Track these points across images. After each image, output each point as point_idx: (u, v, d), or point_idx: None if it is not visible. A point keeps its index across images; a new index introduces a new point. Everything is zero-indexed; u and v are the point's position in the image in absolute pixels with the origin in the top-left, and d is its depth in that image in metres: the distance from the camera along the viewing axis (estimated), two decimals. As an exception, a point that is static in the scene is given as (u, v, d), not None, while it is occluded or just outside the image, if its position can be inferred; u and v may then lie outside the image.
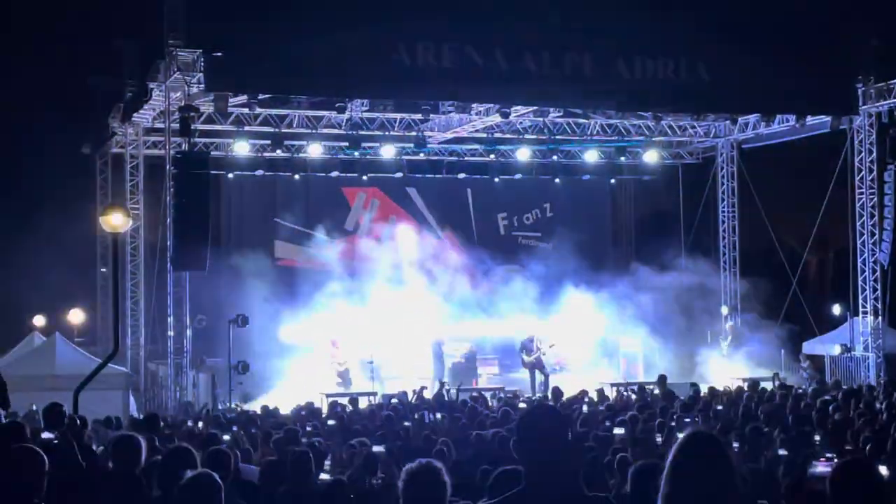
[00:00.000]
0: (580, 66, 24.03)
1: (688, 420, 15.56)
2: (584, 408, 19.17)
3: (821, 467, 9.73)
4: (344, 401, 21.93)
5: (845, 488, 4.38)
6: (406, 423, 16.80)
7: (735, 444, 12.32)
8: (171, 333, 24.44)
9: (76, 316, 34.86)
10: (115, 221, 19.28)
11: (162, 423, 16.85)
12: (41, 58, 34.39)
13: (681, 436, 4.19)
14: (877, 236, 27.24)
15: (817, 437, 13.41)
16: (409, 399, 22.28)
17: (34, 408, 19.14)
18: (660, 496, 4.01)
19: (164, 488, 6.77)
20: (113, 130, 27.95)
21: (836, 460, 10.23)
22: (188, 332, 24.92)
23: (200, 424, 17.94)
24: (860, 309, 27.94)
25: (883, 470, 9.90)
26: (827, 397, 19.30)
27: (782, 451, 11.34)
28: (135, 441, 7.72)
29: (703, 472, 3.97)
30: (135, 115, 25.80)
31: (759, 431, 13.21)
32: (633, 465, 6.06)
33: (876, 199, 27.21)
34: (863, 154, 27.58)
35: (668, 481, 4.02)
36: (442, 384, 24.86)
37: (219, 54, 21.62)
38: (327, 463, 9.97)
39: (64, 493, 6.69)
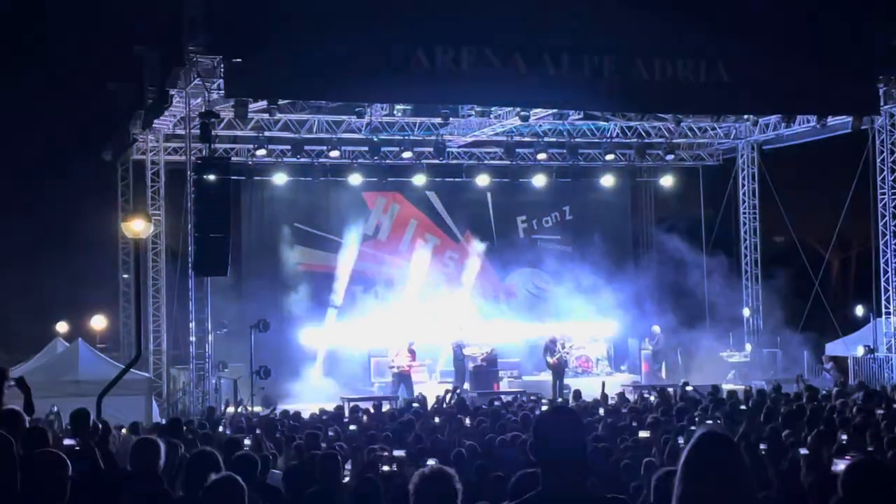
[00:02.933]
0: (599, 68, 23.97)
1: (710, 422, 15.49)
2: (601, 410, 19.11)
3: (843, 465, 9.66)
4: (366, 405, 21.93)
5: (857, 487, 4.36)
6: (435, 423, 16.80)
7: (762, 447, 12.25)
8: (192, 339, 24.51)
9: (99, 322, 35.02)
10: (137, 227, 19.41)
11: (185, 428, 16.90)
12: (62, 65, 34.57)
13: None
14: (899, 236, 27.10)
15: (844, 437, 13.33)
16: (430, 403, 22.26)
17: (55, 409, 19.25)
18: (674, 497, 3.99)
19: (187, 491, 6.80)
20: (134, 137, 28.07)
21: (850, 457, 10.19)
22: (210, 337, 24.99)
23: (221, 428, 17.96)
24: (883, 310, 27.79)
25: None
26: (850, 399, 19.22)
27: (804, 451, 11.26)
28: (154, 444, 7.76)
29: (715, 472, 3.95)
30: (155, 121, 25.90)
31: (778, 432, 13.14)
32: (657, 471, 6.04)
33: (898, 199, 27.07)
34: (884, 154, 27.45)
35: (681, 482, 3.99)
36: (455, 388, 24.88)
37: (238, 60, 21.67)
38: (348, 467, 9.97)
39: (85, 499, 6.72)
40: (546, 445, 4.68)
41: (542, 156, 31.27)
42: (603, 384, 23.23)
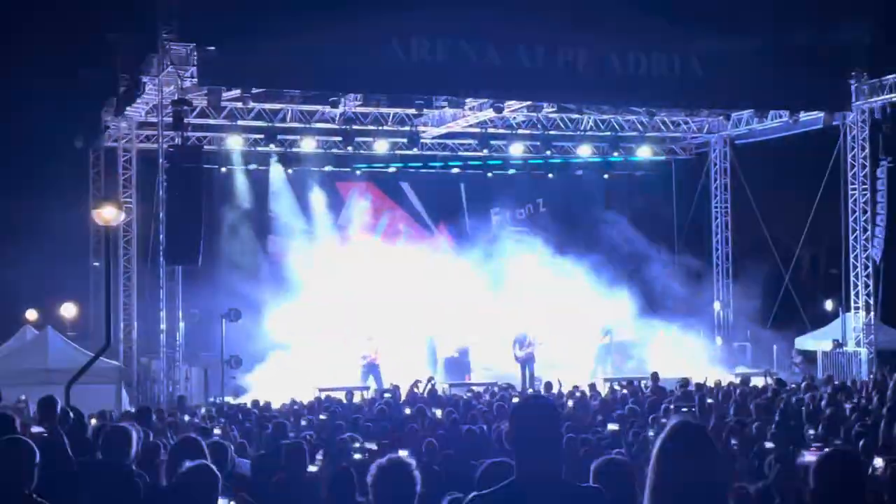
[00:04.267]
0: (574, 61, 24.05)
1: (682, 411, 15.60)
2: (570, 402, 19.19)
3: (809, 456, 9.76)
4: (338, 395, 21.95)
5: (827, 478, 4.40)
6: (406, 414, 16.82)
7: (733, 441, 12.34)
8: (163, 327, 24.42)
9: (68, 310, 34.81)
10: (108, 215, 19.31)
11: (154, 417, 16.85)
12: (34, 51, 34.28)
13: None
14: (869, 232, 27.31)
15: (811, 432, 13.46)
16: (402, 394, 22.30)
17: (23, 398, 19.13)
18: (647, 486, 4.01)
19: (170, 476, 6.80)
20: (106, 124, 27.89)
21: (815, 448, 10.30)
22: (180, 326, 24.89)
23: (190, 417, 17.92)
24: (852, 304, 28.00)
25: (878, 462, 9.94)
26: (818, 392, 19.39)
27: (770, 444, 11.36)
28: (125, 433, 7.73)
29: (688, 461, 3.96)
30: (128, 109, 25.76)
31: (744, 424, 13.25)
32: (594, 463, 6.03)
33: (868, 195, 27.27)
34: (855, 150, 27.64)
35: (654, 470, 4.00)
36: (430, 379, 24.88)
37: (212, 48, 21.60)
38: (318, 457, 9.98)
39: (53, 486, 6.69)
40: (523, 434, 4.71)
41: (515, 147, 31.30)
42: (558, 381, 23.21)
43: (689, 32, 24.66)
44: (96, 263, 29.86)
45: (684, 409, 16.46)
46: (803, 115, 27.66)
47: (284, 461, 8.90)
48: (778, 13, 25.54)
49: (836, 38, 26.26)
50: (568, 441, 11.45)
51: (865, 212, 27.45)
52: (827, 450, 4.72)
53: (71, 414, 12.27)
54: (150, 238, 26.48)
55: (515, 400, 19.37)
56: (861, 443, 11.90)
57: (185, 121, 23.67)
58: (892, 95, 26.08)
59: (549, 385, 22.33)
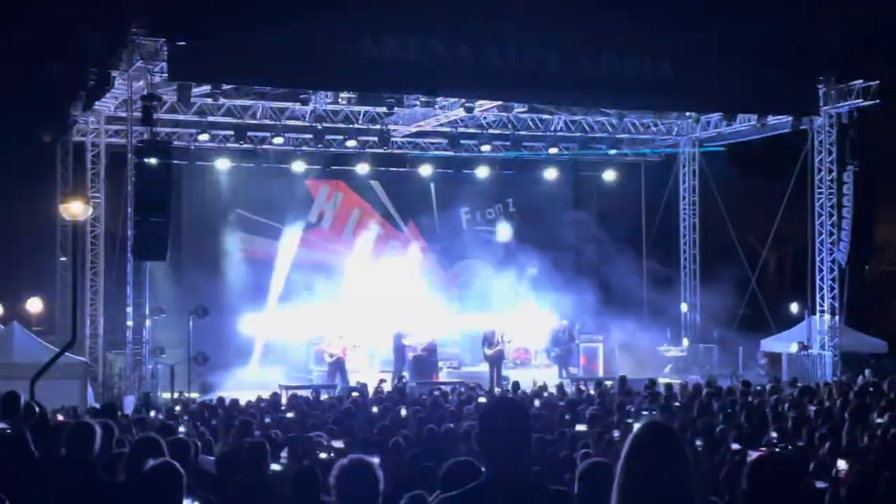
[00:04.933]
0: (546, 62, 24.09)
1: (645, 413, 15.65)
2: (537, 402, 19.22)
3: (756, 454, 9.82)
4: (304, 393, 21.89)
5: (760, 481, 4.41)
6: (373, 413, 16.78)
7: (698, 442, 12.38)
8: (129, 323, 24.27)
9: (34, 305, 34.52)
10: (75, 210, 19.20)
11: (119, 413, 16.76)
12: (1, 43, 33.98)
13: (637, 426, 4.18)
14: (835, 236, 27.51)
15: (774, 435, 13.53)
16: (370, 392, 22.25)
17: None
18: (615, 486, 4.00)
19: (130, 475, 6.75)
20: (74, 118, 27.68)
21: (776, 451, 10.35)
22: (147, 322, 24.76)
23: (156, 413, 17.82)
24: (818, 307, 28.19)
25: (841, 465, 10.02)
26: (783, 395, 19.50)
27: (736, 446, 11.42)
28: (89, 429, 7.68)
29: (658, 462, 3.95)
30: (96, 103, 25.58)
31: (713, 426, 13.30)
32: (580, 464, 6.06)
33: (835, 199, 27.47)
34: (823, 154, 27.84)
35: (623, 471, 3.99)
36: (401, 378, 24.85)
37: (182, 43, 21.48)
38: (283, 455, 9.94)
39: (16, 481, 6.64)
40: (491, 435, 4.71)
41: (486, 147, 31.32)
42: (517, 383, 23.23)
43: (660, 36, 24.79)
44: (63, 258, 29.64)
45: (652, 412, 16.51)
46: (772, 119, 27.85)
47: (248, 459, 8.86)
48: (748, 18, 25.71)
49: (804, 43, 26.47)
50: (536, 441, 11.45)
51: (832, 216, 27.65)
52: (758, 455, 4.71)
53: (36, 409, 12.17)
54: (118, 233, 26.32)
55: (483, 400, 19.39)
56: (826, 445, 11.98)
57: (154, 116, 23.52)
58: (860, 100, 26.28)
59: (516, 385, 22.35)
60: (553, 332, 29.19)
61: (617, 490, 3.99)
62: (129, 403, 22.28)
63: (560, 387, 22.86)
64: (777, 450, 11.17)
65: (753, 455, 9.64)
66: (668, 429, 4.10)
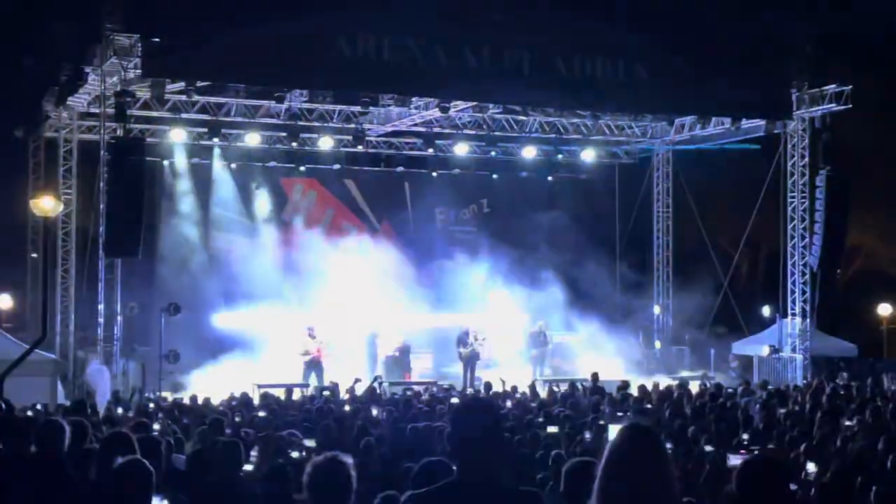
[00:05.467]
0: (520, 62, 24.15)
1: (620, 414, 15.69)
2: (509, 403, 19.26)
3: (736, 460, 9.87)
4: (277, 392, 21.83)
5: (750, 482, 4.42)
6: (345, 412, 16.74)
7: (669, 445, 12.42)
8: (101, 321, 24.12)
9: (5, 301, 34.30)
10: (46, 206, 19.04)
11: (90, 411, 16.64)
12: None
13: (614, 429, 4.17)
14: (807, 240, 27.66)
15: (745, 436, 13.59)
16: (342, 392, 22.22)
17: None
18: (595, 488, 3.98)
19: (100, 472, 6.70)
20: (47, 114, 27.51)
21: (743, 452, 10.41)
22: (118, 319, 24.62)
23: (128, 412, 17.72)
24: (789, 311, 28.35)
25: (811, 467, 10.08)
26: (754, 397, 19.60)
27: (708, 448, 11.46)
28: (59, 427, 7.62)
29: (639, 464, 3.94)
30: (69, 98, 25.41)
31: (685, 428, 13.35)
32: (566, 464, 6.06)
33: (807, 203, 27.63)
34: (795, 158, 27.99)
35: (605, 473, 3.97)
36: (376, 379, 24.82)
37: (156, 40, 21.40)
38: (253, 454, 9.89)
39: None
40: (462, 435, 4.71)
41: (460, 147, 31.33)
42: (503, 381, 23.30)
43: (634, 38, 24.88)
44: (34, 255, 29.48)
45: (626, 413, 16.56)
46: (745, 123, 27.99)
47: (220, 459, 8.82)
48: (722, 22, 25.84)
49: (778, 48, 26.65)
50: (508, 442, 11.47)
51: (804, 219, 27.80)
52: (750, 456, 4.74)
53: (3, 405, 12.09)
54: (90, 230, 26.16)
55: (455, 400, 19.40)
56: (794, 448, 12.05)
57: (128, 112, 23.40)
58: (833, 105, 26.44)
59: (488, 385, 22.37)
60: (530, 334, 29.31)
61: (598, 493, 3.97)
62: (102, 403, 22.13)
63: (532, 387, 22.90)
64: (764, 452, 11.22)
65: (734, 459, 9.70)
66: (650, 431, 4.10)
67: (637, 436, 4.03)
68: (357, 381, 23.30)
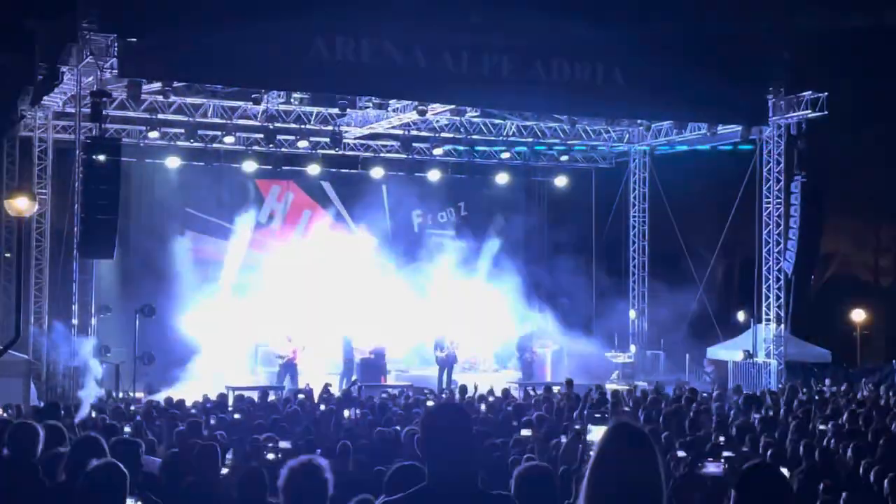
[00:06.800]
0: (498, 66, 24.21)
1: (598, 416, 15.72)
2: (483, 406, 19.29)
3: (711, 467, 9.93)
4: (251, 394, 21.80)
5: (750, 493, 4.35)
6: (319, 415, 16.74)
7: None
8: (74, 322, 24.03)
9: (-23, 301, 34.00)
10: (21, 206, 18.93)
11: (63, 413, 16.58)
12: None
13: (597, 431, 4.13)
14: (782, 246, 27.83)
15: (721, 439, 13.67)
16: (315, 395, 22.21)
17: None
18: (583, 488, 3.91)
19: (71, 476, 6.68)
20: (22, 113, 27.39)
21: (722, 459, 10.45)
22: (93, 320, 24.52)
23: (95, 414, 17.65)
24: (764, 316, 28.50)
25: (785, 473, 10.15)
26: (728, 402, 19.70)
27: (681, 453, 11.52)
28: (32, 429, 7.60)
29: (629, 461, 3.88)
30: (45, 98, 25.31)
31: (657, 433, 13.40)
32: (517, 470, 6.07)
33: (782, 208, 27.79)
34: (771, 164, 28.14)
35: (593, 475, 3.91)
36: (353, 382, 24.84)
37: (133, 40, 21.34)
38: (229, 457, 9.90)
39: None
40: (434, 439, 4.72)
41: (438, 150, 31.38)
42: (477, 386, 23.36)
43: (613, 43, 24.97)
44: (7, 254, 29.30)
45: (597, 416, 16.59)
46: (721, 128, 28.15)
47: (196, 463, 8.81)
48: (699, 27, 25.97)
49: (755, 54, 26.81)
50: (481, 446, 11.50)
51: (779, 225, 27.96)
52: (751, 462, 4.69)
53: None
54: (64, 230, 26.06)
55: (430, 404, 19.41)
56: (769, 453, 12.14)
57: (104, 113, 23.33)
58: (808, 112, 26.60)
59: (463, 388, 22.40)
60: (519, 339, 29.48)
61: (586, 494, 3.90)
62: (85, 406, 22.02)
63: (506, 391, 22.94)
64: (753, 459, 11.28)
65: (710, 465, 9.73)
66: (640, 431, 4.02)
67: (626, 434, 3.96)
68: (328, 385, 23.25)
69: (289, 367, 26.74)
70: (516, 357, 30.02)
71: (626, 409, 19.01)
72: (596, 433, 11.47)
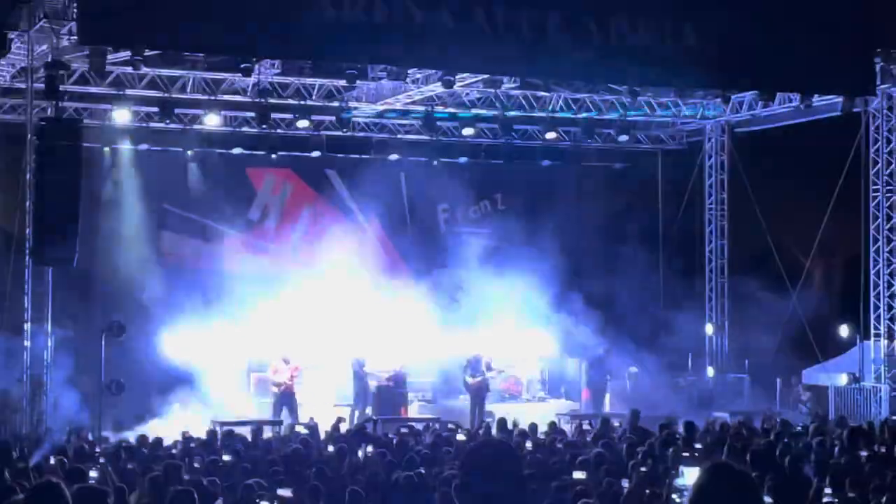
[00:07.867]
0: (542, 26, 24.07)
1: (686, 454, 15.69)
2: (529, 444, 19.29)
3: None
4: (243, 431, 21.85)
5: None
6: (327, 455, 16.76)
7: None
8: (27, 344, 24.13)
9: None
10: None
11: (16, 454, 16.66)
12: None
13: (688, 471, 4.16)
14: (894, 243, 27.65)
15: (824, 486, 13.59)
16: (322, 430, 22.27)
17: None
18: None
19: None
20: (-39, 89, 27.60)
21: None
22: (50, 342, 24.63)
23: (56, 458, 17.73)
24: (872, 331, 28.32)
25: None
26: (829, 437, 19.58)
27: (769, 500, 11.46)
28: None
29: None
30: (-11, 71, 25.52)
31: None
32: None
33: (894, 197, 27.62)
34: (879, 143, 27.98)
35: None
36: (367, 419, 24.87)
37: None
38: (218, 506, 9.93)
39: None
40: (475, 488, 4.69)
41: (468, 130, 31.37)
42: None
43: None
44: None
45: (686, 454, 16.57)
46: (817, 100, 27.96)
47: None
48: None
49: (860, 10, 26.59)
50: (531, 493, 11.47)
51: (890, 218, 27.79)
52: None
53: None
54: (13, 232, 26.19)
55: (461, 438, 19.41)
56: (883, 499, 12.05)
57: (61, 88, 23.44)
58: (926, 79, 26.50)
59: (502, 422, 22.38)
60: (589, 358, 29.48)
61: None
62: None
63: (553, 424, 22.93)
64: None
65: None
66: (743, 473, 4.09)
67: (726, 476, 4.03)
68: (341, 420, 23.32)
69: (286, 398, 26.79)
70: (584, 382, 29.87)
71: (701, 446, 18.96)
72: (688, 476, 11.43)
